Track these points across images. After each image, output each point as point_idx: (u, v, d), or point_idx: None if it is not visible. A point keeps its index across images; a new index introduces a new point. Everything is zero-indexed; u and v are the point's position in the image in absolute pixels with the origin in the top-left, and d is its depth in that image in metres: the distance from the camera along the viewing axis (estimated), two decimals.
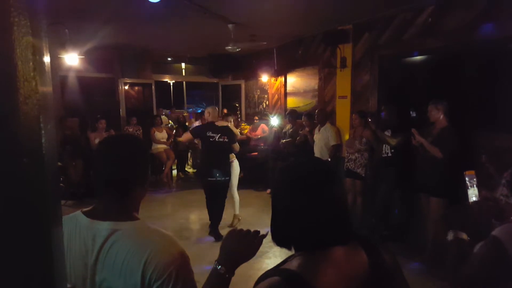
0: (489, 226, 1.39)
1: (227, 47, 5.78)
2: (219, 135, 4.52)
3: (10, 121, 0.35)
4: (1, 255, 0.37)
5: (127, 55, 7.95)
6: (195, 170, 8.56)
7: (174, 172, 8.57)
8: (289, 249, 0.95)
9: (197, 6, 4.36)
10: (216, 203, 4.74)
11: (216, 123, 4.63)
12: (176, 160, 8.16)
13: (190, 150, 8.66)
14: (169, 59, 9.12)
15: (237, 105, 9.18)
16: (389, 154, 4.34)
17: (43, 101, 0.39)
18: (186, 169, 8.85)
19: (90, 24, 5.20)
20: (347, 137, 5.46)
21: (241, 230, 1.12)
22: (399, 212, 4.39)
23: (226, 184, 4.76)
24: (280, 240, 0.95)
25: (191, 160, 9.12)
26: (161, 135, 7.51)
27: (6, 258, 0.37)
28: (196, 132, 4.77)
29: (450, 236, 1.38)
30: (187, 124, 9.00)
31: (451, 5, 3.85)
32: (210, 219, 4.84)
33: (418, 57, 4.69)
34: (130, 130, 7.38)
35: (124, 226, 1.08)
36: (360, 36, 5.25)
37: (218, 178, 4.56)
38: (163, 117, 8.59)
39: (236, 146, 4.80)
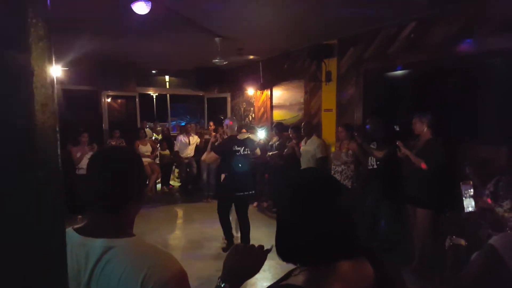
0: (487, 236, 1.40)
1: (214, 60, 5.80)
2: (243, 147, 4.40)
3: (27, 131, 0.32)
4: (15, 268, 0.33)
5: (111, 67, 7.84)
6: (180, 184, 8.44)
7: (159, 186, 8.43)
8: (295, 263, 0.93)
9: (184, 19, 4.37)
10: (244, 218, 4.53)
11: (238, 137, 4.50)
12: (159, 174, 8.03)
13: (175, 164, 8.54)
14: (153, 71, 9.06)
15: (222, 118, 9.16)
16: (375, 166, 4.39)
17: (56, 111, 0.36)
18: (170, 182, 8.71)
19: (74, 35, 5.12)
20: (333, 149, 5.50)
21: (245, 245, 1.09)
22: (387, 223, 4.42)
23: (251, 198, 4.70)
24: (285, 255, 0.92)
25: (176, 173, 8.99)
26: (145, 148, 7.39)
27: (19, 271, 0.34)
28: (221, 149, 4.42)
29: (447, 242, 1.38)
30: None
31: (433, 21, 3.98)
32: (225, 235, 4.66)
33: (402, 71, 4.80)
34: (113, 143, 7.23)
35: (119, 243, 1.03)
36: (345, 50, 5.36)
37: (246, 192, 4.44)
38: (147, 130, 8.49)
39: (258, 151, 4.82)
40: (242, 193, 4.40)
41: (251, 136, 5.13)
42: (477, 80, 3.60)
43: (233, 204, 4.58)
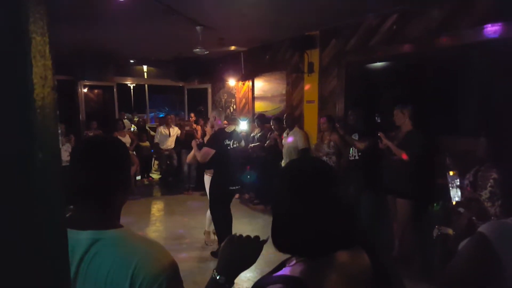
0: (469, 225, 1.43)
1: (195, 50, 5.69)
2: (233, 141, 4.25)
3: (25, 106, 0.28)
4: (14, 255, 0.30)
5: (88, 57, 7.57)
6: (160, 176, 8.32)
7: (138, 178, 8.28)
8: (292, 254, 0.91)
9: (165, 6, 4.25)
10: (229, 211, 4.33)
11: (226, 129, 4.32)
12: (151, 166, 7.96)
13: (154, 155, 8.41)
14: (131, 61, 8.83)
15: (202, 109, 9.05)
16: (357, 157, 4.45)
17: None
18: (150, 174, 8.59)
19: (50, 22, 4.90)
20: (315, 141, 5.53)
21: (241, 236, 1.06)
22: (367, 213, 4.50)
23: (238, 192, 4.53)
24: (281, 246, 0.90)
25: (156, 165, 8.86)
26: (124, 140, 7.21)
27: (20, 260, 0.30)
28: (215, 143, 4.15)
29: (435, 232, 1.40)
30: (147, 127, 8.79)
31: (414, 14, 4.03)
32: (220, 236, 4.26)
33: (384, 63, 4.85)
34: (90, 134, 7.03)
35: (107, 234, 0.99)
36: (327, 42, 5.36)
37: (237, 187, 4.34)
38: (125, 121, 8.30)
39: (242, 143, 4.62)
40: (234, 188, 4.28)
41: (236, 128, 5.03)
42: (457, 73, 3.68)
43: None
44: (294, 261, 0.90)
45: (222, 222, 4.24)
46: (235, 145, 4.29)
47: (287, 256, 0.95)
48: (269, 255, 0.98)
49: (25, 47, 0.28)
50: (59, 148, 0.31)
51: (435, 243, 1.37)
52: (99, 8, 4.31)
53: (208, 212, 4.45)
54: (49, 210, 0.31)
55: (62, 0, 4.00)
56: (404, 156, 3.65)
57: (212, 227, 4.51)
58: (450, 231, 1.33)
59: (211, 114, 4.59)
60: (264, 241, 1.06)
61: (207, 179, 4.47)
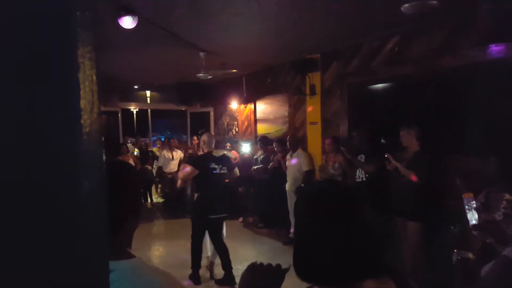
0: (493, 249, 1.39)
1: (198, 75, 5.76)
2: (220, 166, 4.11)
3: (73, 134, 0.26)
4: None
5: None
6: (163, 200, 8.25)
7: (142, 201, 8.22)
8: (316, 284, 0.87)
9: (170, 33, 4.33)
10: (220, 242, 4.15)
11: (214, 153, 4.25)
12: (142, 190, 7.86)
13: (157, 179, 8.38)
14: (135, 86, 8.94)
15: (200, 132, 9.08)
16: (364, 179, 4.40)
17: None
18: (153, 198, 8.54)
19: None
20: (319, 162, 5.50)
21: (261, 264, 1.02)
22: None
23: (224, 220, 4.28)
24: (304, 274, 0.86)
25: (159, 189, 8.82)
26: None
27: None
28: (197, 163, 4.17)
29: (455, 256, 1.36)
30: (153, 150, 8.83)
31: (416, 34, 4.09)
32: (192, 264, 4.18)
33: (387, 84, 4.89)
34: None
35: (119, 265, 0.96)
36: (329, 64, 5.43)
37: (220, 215, 4.11)
38: (129, 145, 8.33)
39: (236, 171, 4.45)
40: (215, 216, 4.07)
41: (226, 153, 4.96)
42: (461, 92, 3.69)
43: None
44: None
45: (195, 251, 4.17)
46: (222, 171, 4.14)
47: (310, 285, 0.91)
48: (291, 285, 0.94)
49: (74, 71, 0.27)
50: (105, 176, 0.29)
51: (454, 267, 1.32)
52: (104, 36, 4.39)
53: (208, 241, 4.28)
54: (94, 242, 0.29)
55: None
56: (414, 178, 3.60)
57: (216, 257, 4.31)
58: (470, 255, 1.29)
59: (201, 138, 4.38)
60: (286, 270, 1.02)
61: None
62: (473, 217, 1.53)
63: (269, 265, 1.02)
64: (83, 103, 0.27)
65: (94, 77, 0.28)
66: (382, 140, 4.95)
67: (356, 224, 0.84)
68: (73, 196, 0.27)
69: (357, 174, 4.48)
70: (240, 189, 6.66)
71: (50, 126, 0.26)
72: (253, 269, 1.01)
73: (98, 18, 0.30)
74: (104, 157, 0.30)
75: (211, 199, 4.06)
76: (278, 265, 1.02)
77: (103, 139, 0.30)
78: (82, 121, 0.27)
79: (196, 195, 4.15)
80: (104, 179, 0.30)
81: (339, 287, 0.84)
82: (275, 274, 1.00)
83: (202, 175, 4.04)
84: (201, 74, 5.70)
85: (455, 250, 1.34)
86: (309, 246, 0.86)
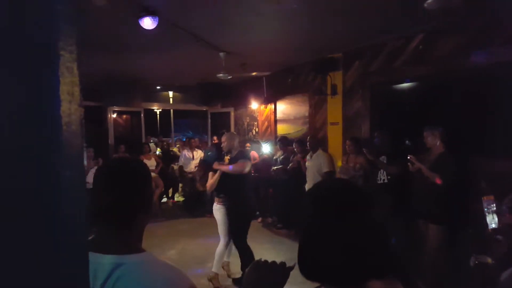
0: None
1: (218, 75, 5.80)
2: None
3: (52, 123, 0.27)
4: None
5: (117, 84, 7.89)
6: (183, 199, 8.36)
7: (164, 200, 8.38)
8: (320, 283, 0.86)
9: (190, 34, 4.38)
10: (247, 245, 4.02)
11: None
12: (170, 188, 8.07)
13: (179, 178, 8.50)
14: (158, 87, 9.11)
15: (223, 132, 9.16)
16: (385, 181, 4.30)
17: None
18: (175, 197, 8.68)
19: (81, 51, 5.14)
20: (339, 163, 5.43)
21: (266, 261, 1.02)
22: (398, 240, 4.30)
23: None
24: (309, 273, 0.85)
25: (180, 188, 8.96)
26: (150, 162, 7.35)
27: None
28: (248, 157, 4.13)
29: (472, 261, 1.30)
30: (174, 149, 8.97)
31: (441, 32, 3.96)
32: (246, 265, 4.01)
33: (409, 84, 4.77)
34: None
35: (129, 259, 0.97)
36: (351, 64, 5.35)
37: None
38: (151, 144, 8.49)
39: (243, 165, 4.03)
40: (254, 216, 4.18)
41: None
42: (487, 92, 3.55)
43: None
44: None
45: (248, 252, 3.90)
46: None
47: (315, 284, 0.90)
48: (296, 283, 0.92)
49: (53, 63, 0.27)
50: (84, 166, 0.30)
51: (472, 272, 1.27)
52: (127, 38, 4.50)
53: (221, 246, 4.07)
54: (73, 230, 0.30)
55: (94, 31, 4.21)
56: (438, 180, 3.49)
57: (230, 257, 4.25)
58: (489, 260, 1.24)
59: (224, 138, 4.08)
60: (291, 268, 1.01)
61: (219, 209, 4.00)
62: (492, 221, 1.47)
63: (274, 262, 1.01)
64: (62, 93, 0.28)
65: (75, 69, 0.29)
66: (407, 142, 4.82)
67: (362, 224, 0.82)
68: (52, 186, 0.27)
69: (378, 175, 4.39)
70: (270, 190, 6.64)
71: (28, 116, 0.26)
72: (258, 267, 1.00)
73: (80, 12, 0.30)
74: (84, 147, 0.31)
75: (251, 200, 4.10)
76: (283, 263, 1.01)
77: (83, 130, 0.30)
78: (61, 112, 0.27)
79: (232, 199, 3.91)
80: (83, 169, 0.30)
81: (343, 286, 0.82)
82: (279, 271, 1.00)
83: (243, 176, 3.90)
84: (221, 75, 5.74)
85: (473, 255, 1.28)
86: (314, 245, 0.85)
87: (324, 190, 0.92)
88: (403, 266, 0.88)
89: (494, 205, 1.50)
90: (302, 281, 0.87)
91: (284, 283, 0.99)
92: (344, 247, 0.80)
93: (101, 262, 0.96)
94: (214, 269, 4.06)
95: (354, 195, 0.88)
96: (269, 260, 1.02)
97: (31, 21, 0.26)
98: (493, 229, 1.43)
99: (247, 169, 3.86)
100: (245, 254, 3.90)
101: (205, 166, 3.97)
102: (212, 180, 3.94)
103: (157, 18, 3.61)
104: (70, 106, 0.28)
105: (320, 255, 0.84)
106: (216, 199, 4.06)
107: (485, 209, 1.49)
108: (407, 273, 0.90)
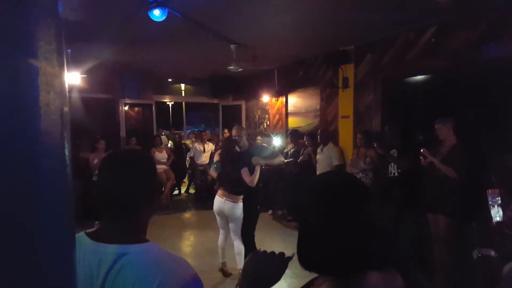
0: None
1: (229, 67, 5.79)
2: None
3: (32, 110, 0.28)
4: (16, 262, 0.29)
5: (128, 76, 7.96)
6: (194, 191, 8.45)
7: (176, 192, 8.49)
8: (319, 273, 0.87)
9: (201, 26, 4.38)
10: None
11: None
12: (182, 181, 8.19)
13: (189, 171, 8.58)
14: (169, 80, 9.16)
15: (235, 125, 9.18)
16: (396, 174, 4.26)
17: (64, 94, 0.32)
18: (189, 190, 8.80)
19: (92, 44, 5.21)
20: (350, 156, 5.39)
21: (265, 252, 1.03)
22: (406, 233, 4.27)
23: None
24: (307, 263, 0.86)
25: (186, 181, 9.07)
26: (161, 155, 7.43)
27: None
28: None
29: (475, 254, 1.29)
30: (187, 142, 9.04)
31: (455, 25, 3.87)
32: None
33: (422, 77, 4.68)
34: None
35: (132, 249, 0.99)
36: (362, 57, 5.28)
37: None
38: (163, 137, 8.56)
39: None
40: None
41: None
42: (502, 86, 3.46)
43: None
44: (321, 281, 0.86)
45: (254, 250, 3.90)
46: None
47: (313, 275, 0.90)
48: (294, 273, 0.93)
49: (32, 53, 0.28)
50: (65, 156, 0.30)
51: (476, 265, 1.25)
52: (138, 29, 4.52)
53: (221, 239, 4.10)
54: (56, 221, 0.30)
55: (105, 24, 4.25)
56: (452, 173, 3.42)
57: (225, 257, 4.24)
58: (492, 253, 1.22)
59: (234, 131, 4.05)
60: (290, 258, 1.02)
61: (234, 206, 3.87)
62: (497, 214, 1.44)
63: (272, 253, 1.02)
64: (41, 82, 0.28)
65: (55, 60, 0.29)
66: (420, 136, 4.75)
67: (361, 216, 0.82)
68: (32, 174, 0.28)
69: (389, 169, 4.35)
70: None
71: (5, 105, 0.27)
72: (256, 257, 1.01)
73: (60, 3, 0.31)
74: (66, 137, 0.31)
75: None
76: (282, 253, 1.02)
77: (67, 119, 0.31)
78: (39, 101, 0.28)
79: (249, 191, 3.86)
80: (65, 159, 0.31)
81: (342, 277, 0.83)
82: (278, 262, 1.01)
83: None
84: (231, 67, 5.73)
85: (476, 248, 1.27)
86: (313, 236, 0.86)
87: (323, 182, 0.92)
88: (405, 258, 0.88)
89: (499, 198, 1.48)
90: (301, 272, 0.88)
91: (282, 273, 1.00)
92: (341, 238, 0.81)
93: (105, 252, 0.99)
94: (221, 260, 4.24)
95: (352, 188, 0.88)
96: (271, 252, 1.02)
97: (10, 12, 0.27)
98: (498, 222, 1.41)
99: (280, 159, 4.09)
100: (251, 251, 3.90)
101: (223, 177, 3.92)
102: (254, 176, 3.84)
103: (166, 10, 3.62)
104: (48, 96, 0.29)
105: (318, 246, 0.84)
106: (226, 195, 3.86)
107: (490, 202, 1.47)
108: (408, 265, 0.90)
